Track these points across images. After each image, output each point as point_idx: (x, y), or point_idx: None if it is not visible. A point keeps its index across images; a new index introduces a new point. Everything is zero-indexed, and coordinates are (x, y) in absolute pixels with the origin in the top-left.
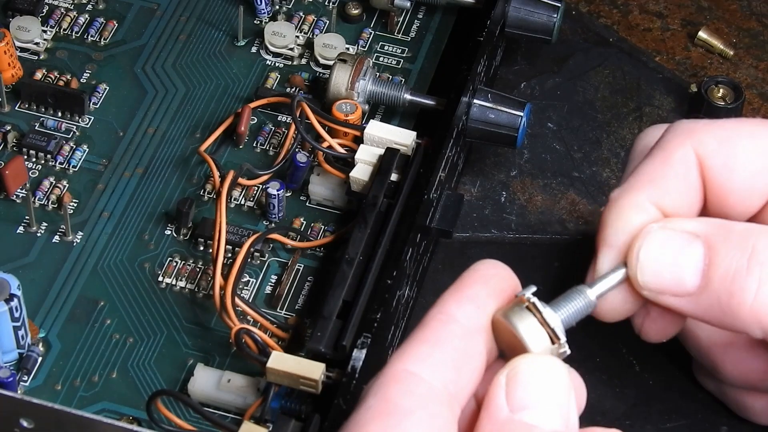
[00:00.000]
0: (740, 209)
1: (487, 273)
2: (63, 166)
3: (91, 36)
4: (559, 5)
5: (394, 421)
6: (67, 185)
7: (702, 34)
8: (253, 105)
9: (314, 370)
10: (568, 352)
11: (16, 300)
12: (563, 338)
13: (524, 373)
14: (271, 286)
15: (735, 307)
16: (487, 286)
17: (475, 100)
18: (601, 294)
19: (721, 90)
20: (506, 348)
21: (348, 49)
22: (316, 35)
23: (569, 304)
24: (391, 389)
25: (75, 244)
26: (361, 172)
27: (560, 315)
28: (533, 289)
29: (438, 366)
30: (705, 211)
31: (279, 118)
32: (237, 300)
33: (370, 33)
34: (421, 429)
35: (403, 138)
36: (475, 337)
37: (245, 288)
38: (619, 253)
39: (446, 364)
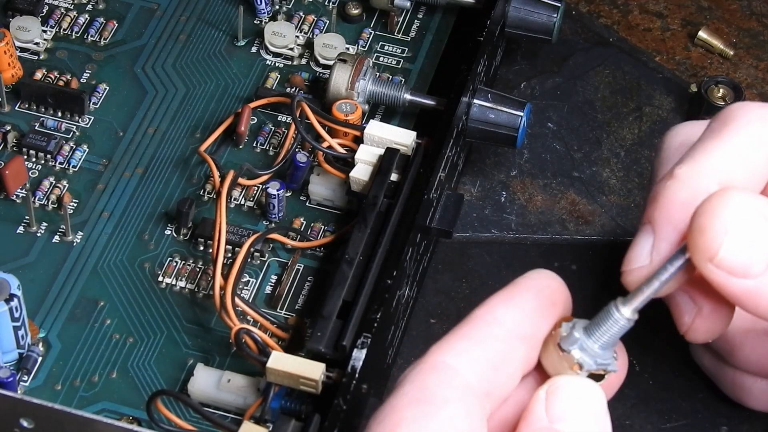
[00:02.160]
0: None
1: (540, 284)
2: (63, 166)
3: (91, 36)
4: (559, 5)
5: (430, 409)
6: (67, 185)
7: (702, 34)
8: (253, 105)
9: (314, 370)
10: (611, 373)
11: (16, 300)
12: (608, 374)
13: (563, 388)
14: (271, 286)
15: None
16: (537, 298)
17: (475, 100)
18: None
19: (721, 90)
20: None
21: (348, 49)
22: (316, 35)
23: (607, 334)
24: (429, 378)
25: (75, 244)
26: (361, 172)
27: (601, 349)
28: (581, 325)
29: (476, 363)
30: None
31: (279, 118)
32: (237, 300)
33: (370, 33)
34: (456, 419)
35: (403, 138)
36: (517, 343)
37: (245, 288)
38: (680, 237)
39: (484, 363)
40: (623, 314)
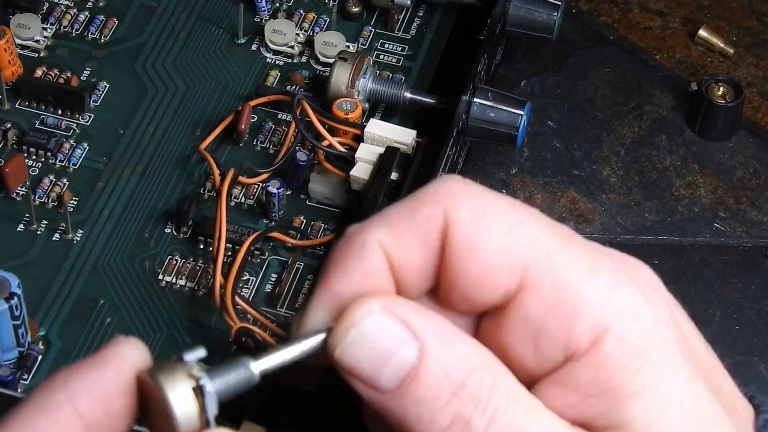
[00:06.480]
0: (480, 295)
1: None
2: (63, 164)
3: (92, 33)
4: (560, 3)
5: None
6: (67, 183)
7: (702, 32)
8: (253, 103)
9: (406, 135)
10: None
11: (16, 298)
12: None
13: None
14: (271, 284)
15: (414, 427)
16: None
17: (476, 99)
18: (267, 370)
19: (721, 88)
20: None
21: (348, 47)
22: (317, 33)
23: (229, 377)
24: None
25: (75, 242)
26: (361, 171)
27: (218, 392)
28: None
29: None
30: (443, 292)
31: (279, 117)
32: (237, 298)
33: (371, 31)
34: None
35: (404, 136)
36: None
37: (245, 286)
38: (339, 302)
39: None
40: (252, 371)
